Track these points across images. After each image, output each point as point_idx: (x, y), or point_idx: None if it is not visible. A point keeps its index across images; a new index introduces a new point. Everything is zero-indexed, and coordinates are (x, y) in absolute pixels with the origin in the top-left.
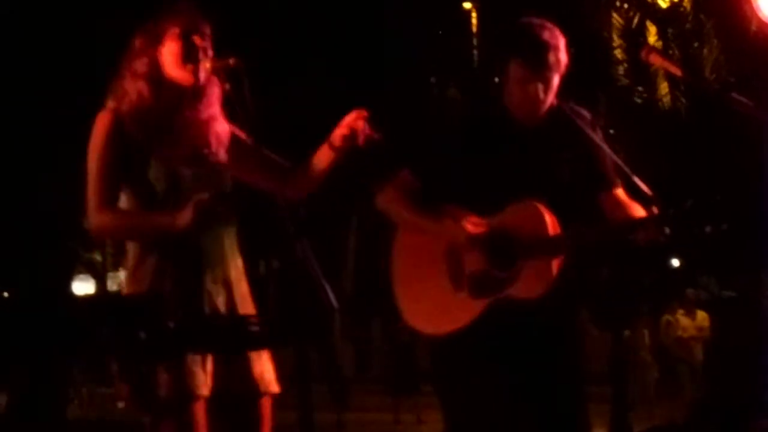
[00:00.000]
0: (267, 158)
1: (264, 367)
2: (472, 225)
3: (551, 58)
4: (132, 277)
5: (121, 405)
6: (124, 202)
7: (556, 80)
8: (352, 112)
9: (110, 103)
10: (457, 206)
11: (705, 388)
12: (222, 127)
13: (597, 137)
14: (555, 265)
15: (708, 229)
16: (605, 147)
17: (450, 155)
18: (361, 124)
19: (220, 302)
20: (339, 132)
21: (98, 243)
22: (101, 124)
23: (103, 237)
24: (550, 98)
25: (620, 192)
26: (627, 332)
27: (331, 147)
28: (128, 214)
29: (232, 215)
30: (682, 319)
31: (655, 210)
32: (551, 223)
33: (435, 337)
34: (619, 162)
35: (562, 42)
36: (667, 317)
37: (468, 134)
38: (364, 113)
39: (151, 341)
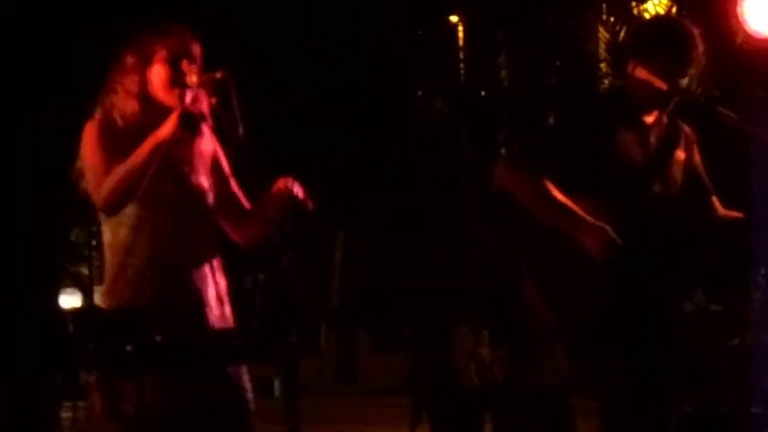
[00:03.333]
0: (231, 195)
1: (245, 384)
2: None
3: (695, 54)
4: (109, 292)
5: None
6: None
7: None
8: (281, 181)
9: (98, 114)
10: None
11: (694, 399)
12: (206, 146)
13: (697, 150)
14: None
15: None
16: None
17: (583, 142)
18: (291, 193)
19: (200, 321)
20: (270, 200)
21: (85, 251)
22: (92, 128)
23: (113, 204)
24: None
25: (716, 200)
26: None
27: (266, 209)
28: (119, 166)
29: (213, 236)
30: None
31: None
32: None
33: (572, 324)
34: None
35: None
36: None
37: (596, 122)
38: (291, 183)
39: (138, 355)
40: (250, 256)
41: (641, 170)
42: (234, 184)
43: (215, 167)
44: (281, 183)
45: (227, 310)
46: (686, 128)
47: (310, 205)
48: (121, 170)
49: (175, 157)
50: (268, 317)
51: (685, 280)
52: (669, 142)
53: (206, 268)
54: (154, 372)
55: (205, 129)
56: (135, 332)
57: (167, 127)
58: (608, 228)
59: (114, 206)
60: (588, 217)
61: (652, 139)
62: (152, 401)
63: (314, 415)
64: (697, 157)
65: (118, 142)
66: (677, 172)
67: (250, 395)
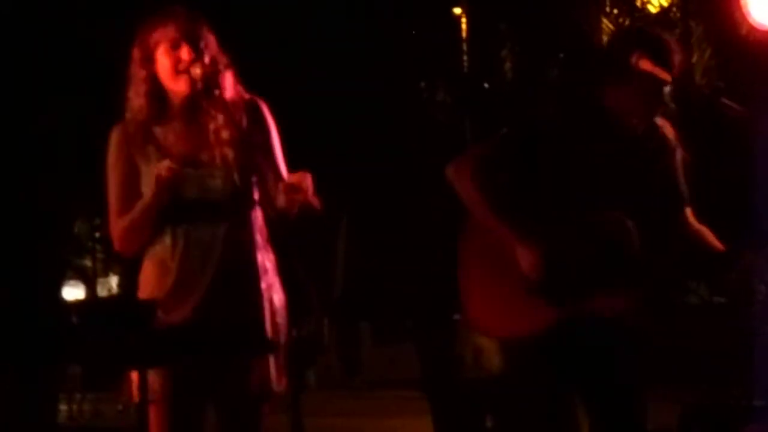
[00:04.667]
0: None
1: (265, 371)
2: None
3: (677, 62)
4: (140, 283)
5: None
6: None
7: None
8: (297, 174)
9: (126, 117)
10: (536, 207)
11: (695, 392)
12: (231, 125)
13: (679, 154)
14: (642, 283)
15: None
16: (683, 165)
17: (550, 146)
18: (305, 187)
19: (228, 306)
20: (282, 194)
21: (89, 248)
22: (112, 138)
23: (126, 246)
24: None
25: (690, 212)
26: None
27: (276, 207)
28: (129, 212)
29: (246, 216)
30: None
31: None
32: (640, 242)
33: (501, 339)
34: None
35: None
36: None
37: (572, 130)
38: (309, 176)
39: (140, 345)
40: None
41: (606, 177)
42: (276, 161)
43: (248, 143)
44: (296, 176)
45: (276, 283)
46: (670, 131)
47: (317, 204)
48: (125, 221)
49: (192, 140)
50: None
51: (640, 295)
52: (639, 153)
53: (241, 249)
54: (157, 363)
55: (225, 105)
56: (138, 322)
57: (147, 194)
58: (539, 249)
59: (126, 251)
60: (524, 235)
61: (627, 149)
62: (166, 387)
63: (316, 408)
64: (677, 163)
65: (132, 151)
66: (650, 183)
67: (256, 382)
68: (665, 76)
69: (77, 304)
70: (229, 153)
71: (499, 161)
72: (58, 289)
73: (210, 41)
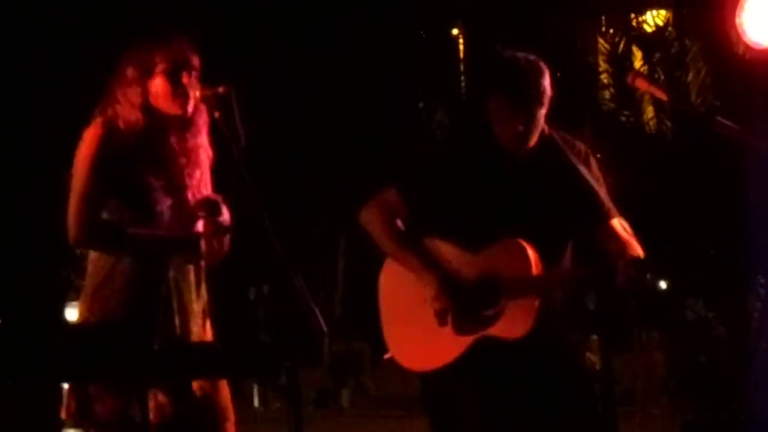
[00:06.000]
0: None
1: (225, 392)
2: (439, 293)
3: (532, 91)
4: (95, 296)
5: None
6: (104, 214)
7: (541, 112)
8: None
9: (99, 119)
10: (439, 240)
11: (692, 406)
12: (206, 157)
13: (591, 168)
14: (536, 303)
15: (696, 274)
16: (599, 178)
17: (438, 182)
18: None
19: (186, 330)
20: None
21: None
22: (91, 137)
23: (81, 249)
24: (536, 131)
25: (616, 224)
26: None
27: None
28: (108, 231)
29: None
30: None
31: (638, 254)
32: (535, 262)
33: (420, 373)
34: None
35: (545, 72)
36: None
37: (457, 162)
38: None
39: (139, 366)
40: (253, 268)
41: (503, 205)
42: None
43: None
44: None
45: (208, 323)
46: (580, 146)
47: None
48: (102, 239)
49: (177, 169)
50: (272, 328)
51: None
52: (533, 176)
53: (191, 277)
54: (156, 383)
55: (205, 142)
56: (136, 342)
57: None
58: (440, 278)
59: (77, 248)
60: (428, 266)
61: (520, 173)
62: (127, 408)
63: (316, 426)
64: (589, 177)
65: (116, 154)
66: (551, 204)
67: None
68: (660, 95)
69: (80, 324)
70: (207, 183)
71: (402, 201)
72: (61, 309)
73: (198, 68)
